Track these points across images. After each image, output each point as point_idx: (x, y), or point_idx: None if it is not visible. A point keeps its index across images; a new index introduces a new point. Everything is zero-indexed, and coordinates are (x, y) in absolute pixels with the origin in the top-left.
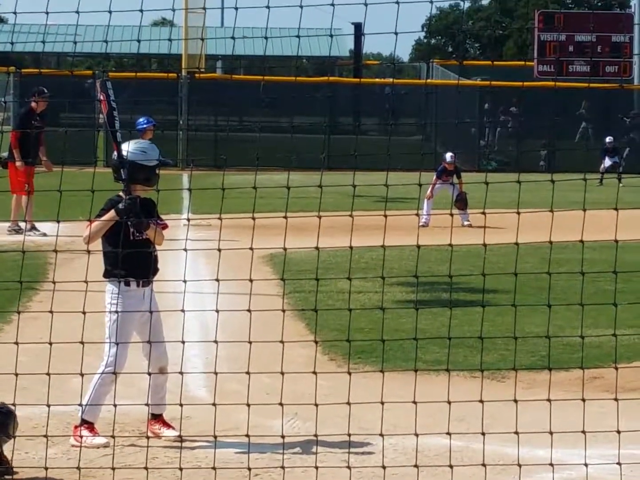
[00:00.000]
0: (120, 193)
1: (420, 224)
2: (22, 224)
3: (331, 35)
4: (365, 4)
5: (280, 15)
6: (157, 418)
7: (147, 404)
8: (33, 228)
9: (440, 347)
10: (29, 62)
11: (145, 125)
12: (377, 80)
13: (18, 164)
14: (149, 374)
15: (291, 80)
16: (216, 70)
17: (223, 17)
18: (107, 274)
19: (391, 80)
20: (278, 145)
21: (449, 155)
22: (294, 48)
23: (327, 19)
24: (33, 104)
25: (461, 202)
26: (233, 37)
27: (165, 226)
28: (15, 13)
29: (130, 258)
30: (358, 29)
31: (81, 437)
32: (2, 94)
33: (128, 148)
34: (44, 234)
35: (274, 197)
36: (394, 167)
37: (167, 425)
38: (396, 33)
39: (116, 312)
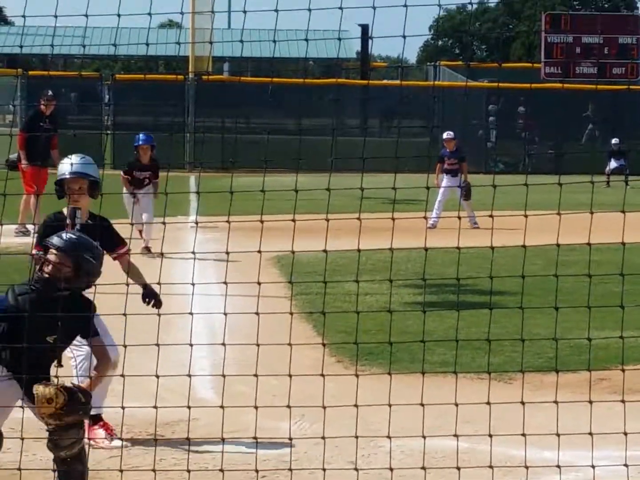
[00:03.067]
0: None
1: (429, 225)
2: (30, 226)
3: (339, 39)
4: (374, 7)
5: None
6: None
7: (154, 407)
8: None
9: (446, 349)
10: (37, 64)
11: (139, 143)
12: (384, 82)
13: (23, 164)
14: (157, 376)
15: (299, 82)
16: (223, 72)
17: (230, 19)
18: None
19: (399, 82)
20: (285, 147)
21: (446, 133)
22: (301, 50)
23: (334, 21)
24: (42, 107)
25: (466, 191)
26: (241, 41)
27: (125, 253)
28: (24, 16)
29: None
30: (365, 30)
31: (98, 438)
32: (10, 96)
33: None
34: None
35: (281, 199)
36: (401, 169)
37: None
38: (404, 36)
39: None
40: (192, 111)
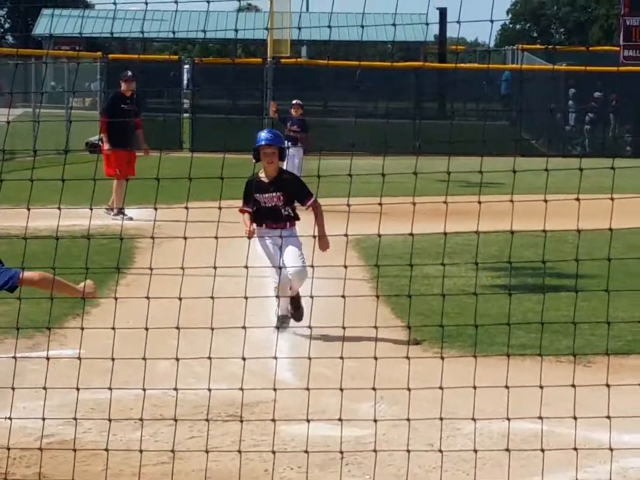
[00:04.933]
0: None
1: None
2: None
3: (426, 24)
4: None
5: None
6: None
7: (241, 389)
8: (121, 212)
9: (525, 331)
10: (116, 48)
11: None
12: (464, 65)
13: (106, 147)
14: (243, 358)
15: (385, 66)
16: (301, 56)
17: (308, 3)
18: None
19: (478, 65)
20: (366, 130)
21: (294, 101)
22: (379, 33)
23: (411, 4)
24: (122, 88)
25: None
26: (329, 26)
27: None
28: (115, 3)
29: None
30: (443, 14)
31: None
32: (90, 79)
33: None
34: (131, 218)
35: (358, 182)
36: (480, 152)
37: None
38: (492, 21)
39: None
40: (270, 95)
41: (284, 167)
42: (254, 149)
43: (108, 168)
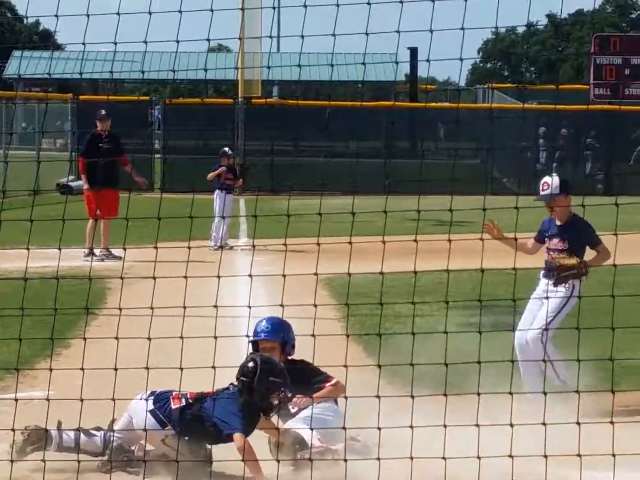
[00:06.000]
0: None
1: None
2: (96, 251)
3: (396, 62)
4: (431, 31)
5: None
6: None
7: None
8: (92, 252)
9: (498, 369)
10: (86, 89)
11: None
12: (436, 104)
13: (85, 187)
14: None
15: (355, 106)
16: (272, 96)
17: (279, 43)
18: None
19: (448, 104)
20: (336, 170)
21: (224, 149)
22: (350, 72)
23: (382, 44)
24: (98, 128)
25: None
26: (299, 65)
27: None
28: (84, 44)
29: None
30: (414, 53)
31: None
32: (61, 120)
33: None
34: (119, 258)
35: (328, 222)
36: (451, 190)
37: None
38: (461, 59)
39: None
40: (242, 135)
41: (217, 211)
42: (251, 342)
43: (89, 209)
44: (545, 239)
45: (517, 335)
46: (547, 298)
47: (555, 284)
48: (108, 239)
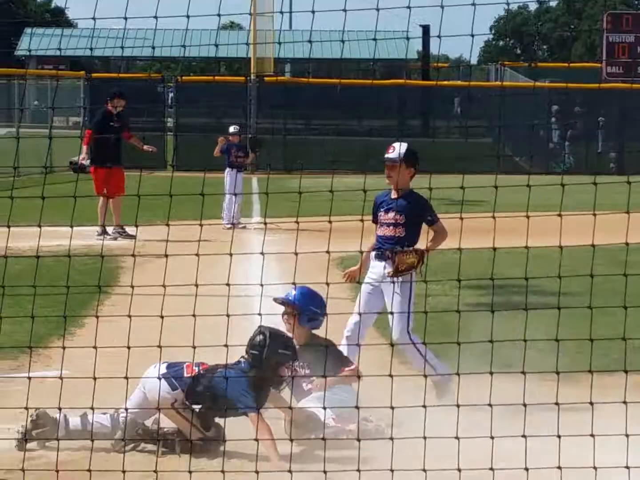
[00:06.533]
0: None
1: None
2: (109, 228)
3: (407, 38)
4: (442, 6)
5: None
6: None
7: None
8: (104, 231)
9: (510, 349)
10: (99, 67)
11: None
12: (446, 82)
13: (82, 157)
14: (226, 378)
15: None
16: (285, 73)
17: (291, 20)
18: None
19: (459, 82)
20: (349, 148)
21: (232, 127)
22: (362, 50)
23: (393, 21)
24: (109, 107)
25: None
26: (310, 41)
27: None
28: (94, 19)
29: None
30: (426, 31)
31: None
32: (73, 98)
33: None
34: (133, 236)
35: (340, 200)
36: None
37: None
38: (472, 35)
39: None
40: (254, 113)
41: (227, 189)
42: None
43: (96, 187)
44: (379, 214)
45: (353, 321)
46: (393, 285)
47: (393, 277)
48: (119, 216)
